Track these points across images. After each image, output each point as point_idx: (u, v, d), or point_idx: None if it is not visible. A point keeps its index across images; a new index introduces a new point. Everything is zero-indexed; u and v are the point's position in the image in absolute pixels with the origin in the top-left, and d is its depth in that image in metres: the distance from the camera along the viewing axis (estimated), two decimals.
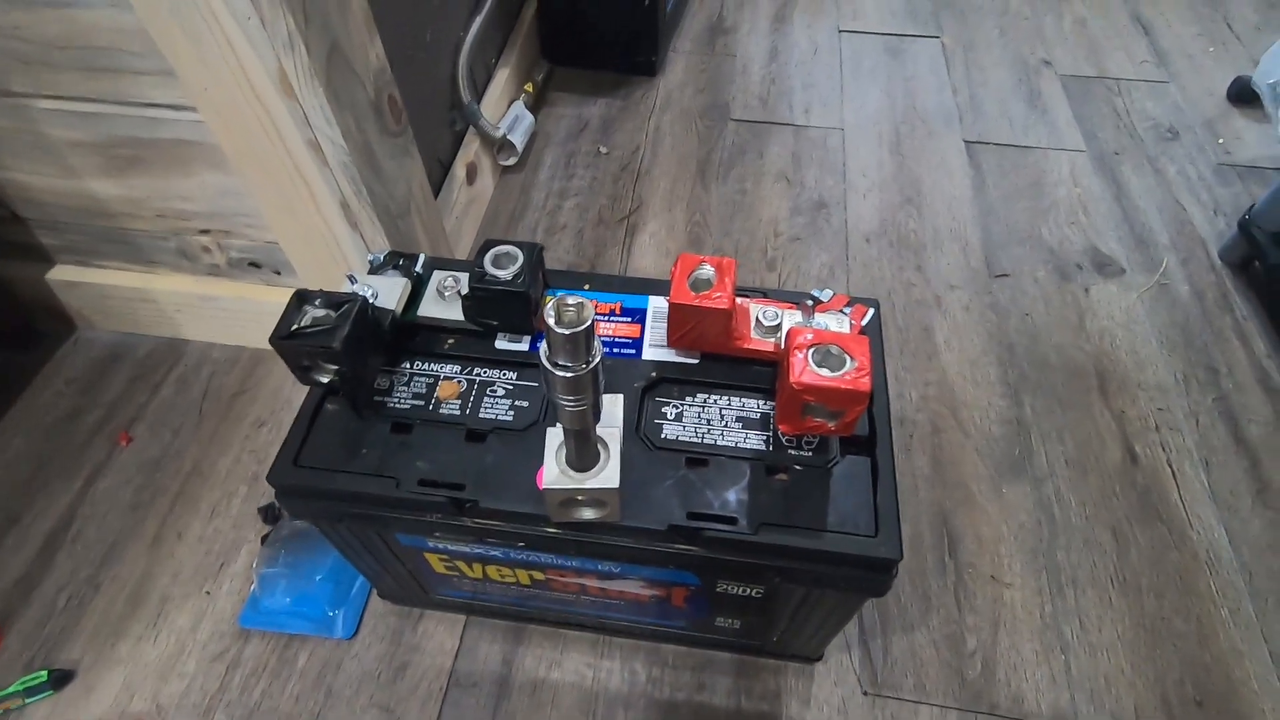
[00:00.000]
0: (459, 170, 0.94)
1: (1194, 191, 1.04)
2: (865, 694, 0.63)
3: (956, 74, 1.24)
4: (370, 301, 0.46)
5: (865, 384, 0.39)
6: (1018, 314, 0.90)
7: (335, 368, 0.43)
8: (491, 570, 0.53)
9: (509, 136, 1.03)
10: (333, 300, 0.43)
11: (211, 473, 0.76)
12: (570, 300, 0.30)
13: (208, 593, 0.68)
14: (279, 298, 0.79)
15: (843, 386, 0.39)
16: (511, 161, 1.07)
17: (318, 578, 0.66)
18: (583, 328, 0.30)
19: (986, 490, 0.75)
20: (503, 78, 1.07)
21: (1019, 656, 0.65)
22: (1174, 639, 0.66)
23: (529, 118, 1.09)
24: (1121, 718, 0.62)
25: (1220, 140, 1.11)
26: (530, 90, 1.14)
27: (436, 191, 0.90)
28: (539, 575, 0.53)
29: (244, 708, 0.62)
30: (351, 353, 0.43)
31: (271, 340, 0.42)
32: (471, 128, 0.99)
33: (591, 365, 0.32)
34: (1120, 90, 1.20)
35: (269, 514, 0.72)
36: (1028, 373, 0.84)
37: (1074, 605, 0.67)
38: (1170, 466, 0.76)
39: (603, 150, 1.12)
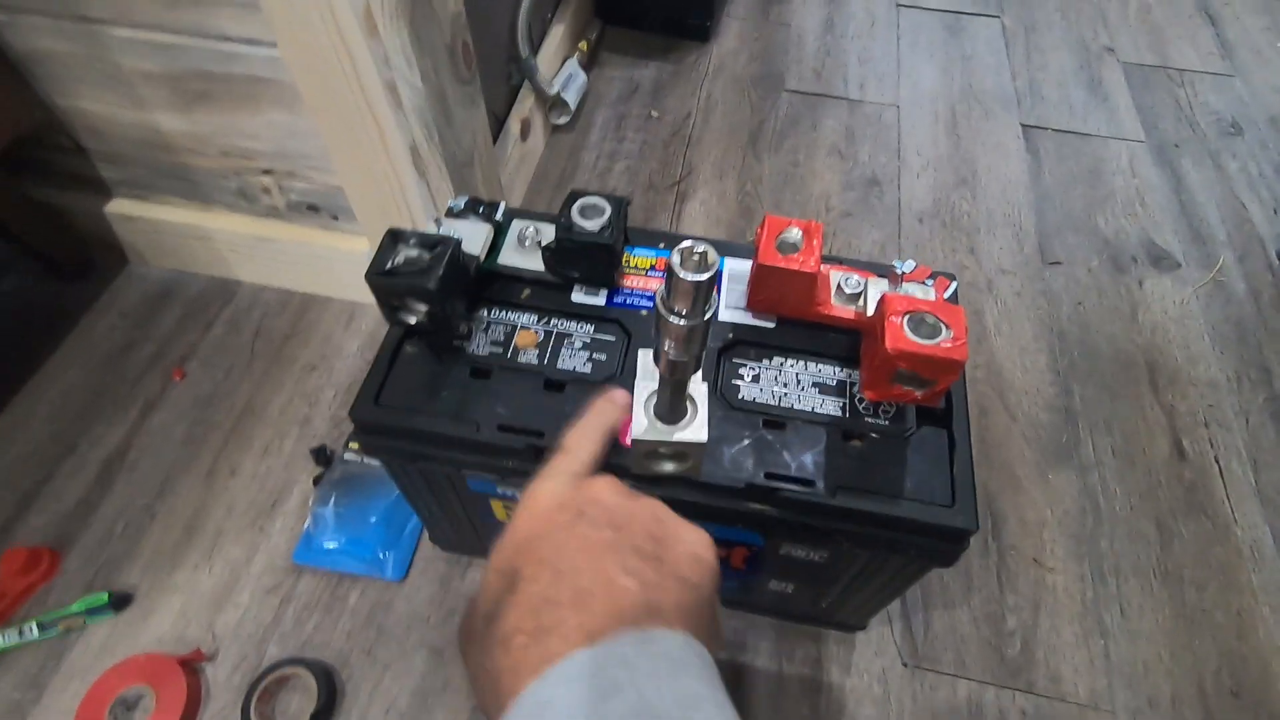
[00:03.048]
0: (513, 125, 0.94)
1: (1255, 189, 1.02)
2: (905, 665, 0.64)
3: (1016, 56, 1.21)
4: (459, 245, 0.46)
5: (962, 353, 0.39)
6: (1070, 302, 0.89)
7: (426, 308, 0.43)
8: None
9: (562, 94, 1.02)
10: (426, 241, 0.43)
11: (263, 413, 0.77)
12: (698, 246, 0.30)
13: (261, 528, 0.70)
14: (334, 243, 0.79)
15: (939, 355, 0.39)
16: (564, 120, 1.06)
17: (370, 519, 0.67)
18: (707, 275, 0.30)
19: (1032, 475, 0.75)
20: (557, 35, 1.05)
21: (1058, 639, 0.65)
22: (1213, 630, 0.66)
23: (582, 76, 1.08)
24: (1158, 703, 0.62)
25: None
26: (584, 49, 1.12)
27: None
28: None
29: (297, 640, 0.64)
30: (443, 294, 0.43)
31: (368, 276, 0.42)
32: (527, 83, 0.98)
33: (708, 316, 0.32)
34: (1183, 81, 1.17)
35: (320, 456, 0.73)
36: (1077, 361, 0.84)
37: (1115, 593, 0.68)
38: (1218, 463, 0.76)
39: (654, 114, 1.10)
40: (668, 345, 0.34)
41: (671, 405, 0.39)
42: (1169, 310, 0.89)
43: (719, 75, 1.17)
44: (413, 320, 0.44)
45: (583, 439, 0.37)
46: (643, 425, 0.40)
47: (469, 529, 0.60)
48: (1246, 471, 0.76)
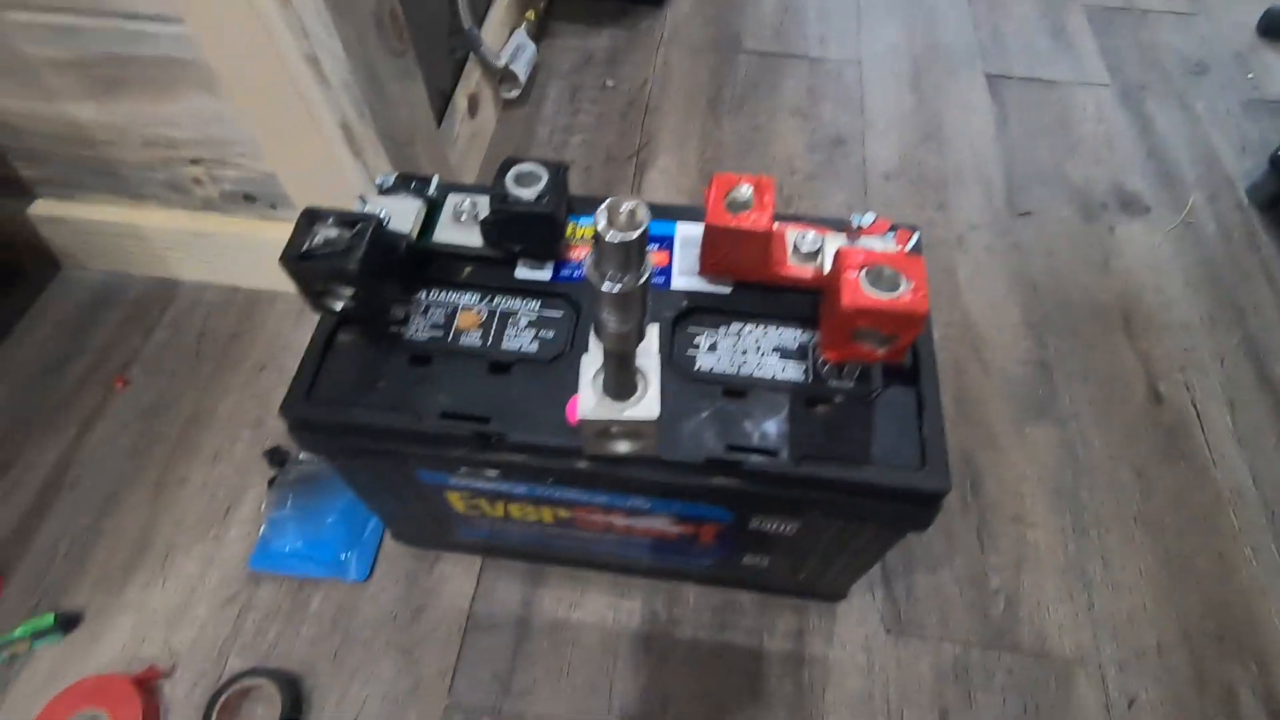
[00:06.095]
0: (460, 101, 0.89)
1: (1222, 128, 1.01)
2: (888, 632, 0.62)
3: (978, 5, 1.18)
4: (385, 223, 0.43)
5: (922, 304, 0.36)
6: (1041, 253, 0.87)
7: (351, 292, 0.40)
8: (514, 509, 0.51)
9: (511, 67, 0.98)
10: (346, 220, 0.40)
11: (212, 417, 0.73)
12: (625, 203, 0.27)
13: (215, 538, 0.66)
14: (274, 233, 0.74)
15: (899, 308, 0.36)
16: (514, 94, 1.02)
17: (329, 520, 0.64)
18: (636, 234, 0.27)
19: (1009, 431, 0.73)
20: (503, 4, 1.01)
21: (1042, 595, 0.64)
22: (1196, 576, 0.65)
23: (531, 47, 1.03)
24: (1144, 653, 0.62)
25: (1250, 75, 1.07)
26: (532, 18, 1.08)
27: (438, 123, 0.85)
28: (564, 513, 0.51)
29: (258, 651, 0.61)
30: (368, 276, 0.40)
31: (282, 260, 0.38)
32: (472, 56, 0.94)
33: (643, 279, 0.29)
34: (1147, 22, 1.15)
35: (275, 457, 0.70)
36: (1051, 313, 0.82)
37: (1097, 544, 0.67)
38: (1195, 406, 0.75)
39: (609, 84, 1.06)
40: (604, 314, 0.31)
41: (618, 380, 0.37)
42: (1141, 255, 0.87)
43: (674, 40, 1.13)
44: (339, 306, 0.41)
45: None
46: (590, 403, 0.38)
47: (430, 523, 0.57)
48: (1224, 413, 0.75)
